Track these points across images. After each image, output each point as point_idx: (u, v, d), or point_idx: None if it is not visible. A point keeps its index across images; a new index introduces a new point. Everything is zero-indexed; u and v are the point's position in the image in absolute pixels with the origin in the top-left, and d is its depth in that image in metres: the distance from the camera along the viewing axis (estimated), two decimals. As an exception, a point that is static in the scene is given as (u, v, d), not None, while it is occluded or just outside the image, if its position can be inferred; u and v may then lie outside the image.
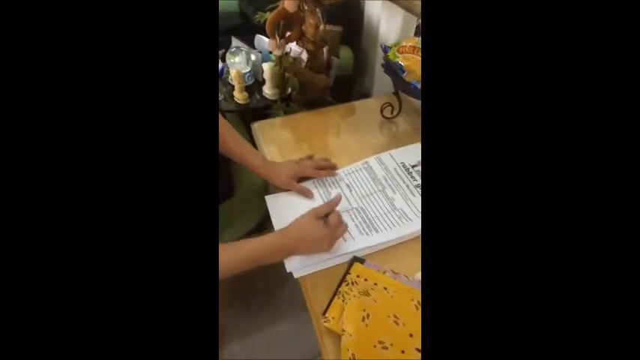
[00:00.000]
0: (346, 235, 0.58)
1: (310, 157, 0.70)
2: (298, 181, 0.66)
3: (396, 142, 0.77)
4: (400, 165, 0.71)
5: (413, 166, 0.70)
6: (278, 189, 0.66)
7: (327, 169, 0.69)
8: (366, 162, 0.71)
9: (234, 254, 0.51)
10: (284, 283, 1.07)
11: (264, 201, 0.93)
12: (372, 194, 0.65)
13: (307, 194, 0.64)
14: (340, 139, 0.81)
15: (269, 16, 0.81)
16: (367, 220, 0.60)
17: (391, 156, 0.72)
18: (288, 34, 0.86)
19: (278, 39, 0.85)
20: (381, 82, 1.23)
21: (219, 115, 0.67)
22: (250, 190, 0.95)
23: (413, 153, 0.73)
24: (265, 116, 0.93)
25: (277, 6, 0.80)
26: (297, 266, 0.53)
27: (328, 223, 0.53)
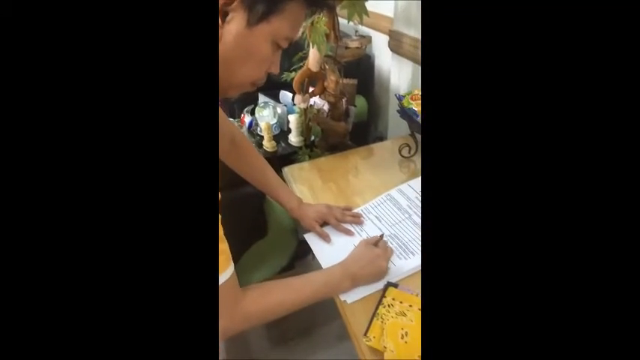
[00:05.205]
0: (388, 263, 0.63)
1: (348, 209, 0.75)
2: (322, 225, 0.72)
3: (415, 177, 0.84)
4: (420, 193, 0.77)
5: None
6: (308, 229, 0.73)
7: (352, 223, 0.73)
8: (388, 194, 0.78)
9: (308, 285, 0.55)
10: (318, 314, 1.09)
11: (293, 242, 1.00)
12: (400, 222, 0.71)
13: (324, 238, 0.69)
14: (363, 177, 0.89)
15: (295, 76, 0.93)
16: (402, 245, 0.66)
17: (410, 186, 0.79)
18: (312, 89, 0.98)
19: (303, 94, 0.96)
20: (394, 125, 1.33)
21: (264, 159, 0.76)
22: (281, 231, 1.02)
23: None
24: (292, 161, 1.02)
25: (302, 66, 0.93)
26: (349, 294, 0.58)
27: (378, 247, 0.61)
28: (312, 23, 0.78)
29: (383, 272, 0.60)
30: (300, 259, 1.07)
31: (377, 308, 0.55)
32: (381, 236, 0.65)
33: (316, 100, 1.04)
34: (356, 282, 0.58)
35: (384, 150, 0.99)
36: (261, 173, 0.76)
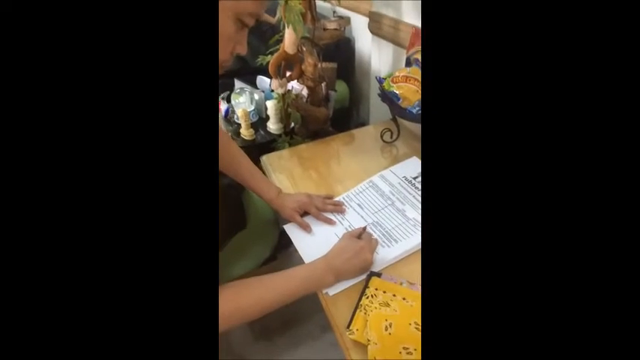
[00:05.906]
0: None
1: (329, 197, 0.72)
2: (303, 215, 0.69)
3: (397, 162, 0.82)
4: (402, 179, 0.76)
5: (414, 178, 0.75)
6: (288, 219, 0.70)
7: (334, 212, 0.70)
8: (370, 181, 0.76)
9: (288, 282, 0.53)
10: (301, 307, 1.08)
11: (274, 232, 0.97)
12: (383, 209, 0.69)
13: (305, 228, 0.67)
14: (345, 164, 0.86)
15: (271, 59, 0.88)
16: (385, 233, 0.64)
17: (392, 172, 0.78)
18: (289, 73, 0.94)
19: (280, 78, 0.92)
20: (376, 110, 1.30)
21: (239, 148, 0.72)
22: (261, 222, 0.98)
23: (411, 166, 0.79)
24: (271, 149, 0.98)
25: (278, 49, 0.88)
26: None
27: (362, 238, 0.59)
28: (286, 2, 0.73)
29: (368, 265, 0.57)
30: (283, 249, 1.04)
31: (360, 299, 0.53)
32: (365, 228, 0.62)
33: (294, 85, 1.00)
34: (339, 276, 0.56)
35: (365, 135, 0.97)
36: (238, 163, 0.73)
